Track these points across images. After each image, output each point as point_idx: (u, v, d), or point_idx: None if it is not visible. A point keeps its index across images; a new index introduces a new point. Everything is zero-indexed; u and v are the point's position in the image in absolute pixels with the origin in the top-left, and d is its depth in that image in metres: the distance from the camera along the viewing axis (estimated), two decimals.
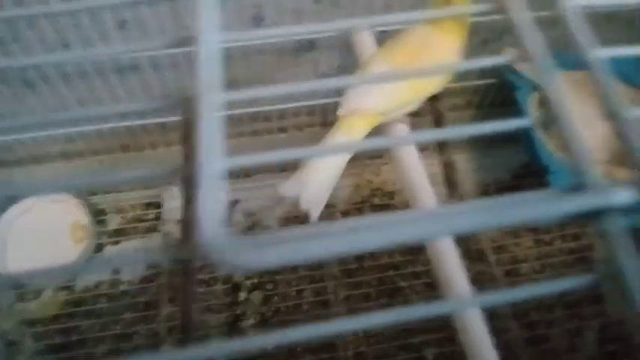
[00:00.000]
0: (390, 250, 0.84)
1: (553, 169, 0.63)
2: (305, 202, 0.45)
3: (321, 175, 0.44)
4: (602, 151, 0.67)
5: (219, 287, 0.79)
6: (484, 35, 0.70)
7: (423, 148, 0.90)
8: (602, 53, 0.20)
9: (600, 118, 0.71)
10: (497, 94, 0.79)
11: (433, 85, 0.49)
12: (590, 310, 0.81)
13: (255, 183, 0.88)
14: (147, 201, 0.88)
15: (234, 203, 0.87)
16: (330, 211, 0.87)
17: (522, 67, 0.69)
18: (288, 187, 0.45)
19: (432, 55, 0.47)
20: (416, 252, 0.84)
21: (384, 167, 0.93)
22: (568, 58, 0.79)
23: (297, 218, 0.87)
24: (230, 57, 0.67)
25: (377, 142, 0.21)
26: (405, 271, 0.82)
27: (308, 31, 0.21)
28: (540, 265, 0.84)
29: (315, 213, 0.45)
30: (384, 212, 0.89)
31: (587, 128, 0.71)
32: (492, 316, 0.76)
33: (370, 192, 0.90)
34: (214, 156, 0.17)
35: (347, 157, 0.46)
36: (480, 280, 0.82)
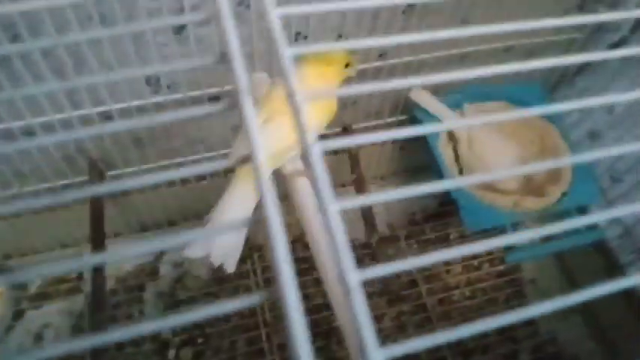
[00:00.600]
0: (323, 291, 0.83)
1: (463, 203, 0.64)
2: (216, 259, 0.44)
3: (225, 234, 0.44)
4: (512, 182, 0.69)
5: (147, 347, 0.76)
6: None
7: (342, 184, 0.91)
8: (289, 53, 0.20)
9: (509, 147, 0.73)
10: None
11: (316, 124, 0.49)
12: (522, 332, 0.83)
13: (180, 232, 0.85)
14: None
15: (160, 255, 0.84)
16: (261, 254, 0.86)
17: (426, 104, 0.71)
18: (194, 249, 0.44)
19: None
20: None
21: None
22: (477, 90, 0.82)
23: None
24: None
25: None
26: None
27: None
28: (471, 290, 0.86)
29: (229, 267, 0.44)
30: None
31: (495, 159, 0.73)
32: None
33: (302, 230, 0.89)
34: None
35: (251, 205, 0.46)
36: (414, 312, 0.83)
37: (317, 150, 0.20)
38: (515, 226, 0.66)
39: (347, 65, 0.51)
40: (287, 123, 0.46)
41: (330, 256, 0.47)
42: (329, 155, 0.81)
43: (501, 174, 0.23)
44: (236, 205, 0.45)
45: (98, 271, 0.61)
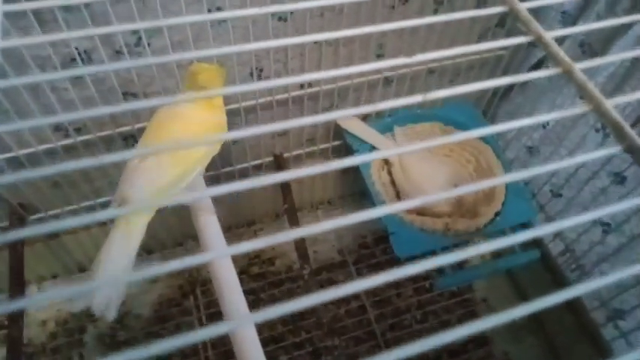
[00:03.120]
0: (269, 322, 0.81)
1: (392, 229, 0.63)
2: (97, 309, 0.43)
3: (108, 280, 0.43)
4: (444, 204, 0.68)
5: None
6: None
7: (277, 214, 0.90)
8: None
9: (442, 169, 0.71)
10: (344, 154, 0.80)
11: (197, 158, 0.49)
12: (475, 354, 0.81)
13: None
14: None
15: None
16: (206, 289, 0.84)
17: (357, 130, 0.70)
18: (77, 302, 0.44)
19: (188, 130, 0.48)
20: (297, 319, 0.81)
21: (260, 233, 0.91)
22: (407, 112, 0.81)
23: (172, 301, 0.83)
24: None
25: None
26: (287, 343, 0.79)
27: None
28: (422, 314, 0.84)
29: (109, 316, 0.44)
30: (265, 281, 0.87)
31: (428, 181, 0.71)
32: None
33: (248, 261, 0.88)
34: None
35: (133, 249, 0.45)
36: (364, 340, 0.81)
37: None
38: (447, 250, 0.64)
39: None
40: (164, 159, 0.45)
41: (223, 300, 0.46)
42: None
43: (428, 198, 0.22)
44: (115, 253, 0.44)
45: (14, 319, 0.59)
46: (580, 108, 0.23)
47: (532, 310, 0.19)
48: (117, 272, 0.43)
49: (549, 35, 0.24)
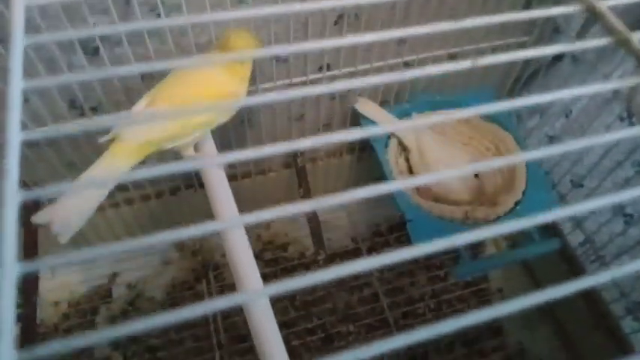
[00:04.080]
0: (281, 307, 0.81)
1: (409, 216, 0.62)
2: (56, 227, 0.43)
3: (76, 201, 0.43)
4: (463, 192, 0.67)
5: None
6: None
7: (292, 199, 0.89)
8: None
9: (459, 157, 0.70)
10: (360, 141, 0.78)
11: (205, 119, 0.49)
12: (489, 344, 0.80)
13: (133, 252, 0.83)
14: None
15: (113, 277, 0.82)
16: (219, 273, 0.83)
17: (372, 115, 0.68)
18: (42, 215, 0.43)
19: (209, 92, 0.48)
20: (309, 305, 0.81)
21: (274, 220, 0.90)
22: (426, 99, 0.79)
23: (184, 284, 0.83)
24: None
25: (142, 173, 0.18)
26: (299, 328, 0.79)
27: None
28: (436, 303, 0.83)
29: (63, 239, 0.44)
30: (278, 267, 0.86)
31: (447, 169, 0.70)
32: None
33: (262, 247, 0.87)
34: None
35: (107, 188, 0.45)
36: (377, 327, 0.80)
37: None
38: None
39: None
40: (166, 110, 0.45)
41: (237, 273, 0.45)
42: (279, 170, 0.78)
43: (443, 174, 0.21)
44: (89, 180, 0.43)
45: (28, 299, 0.59)
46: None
47: (546, 299, 0.18)
48: (87, 201, 0.43)
49: (604, 4, 0.23)
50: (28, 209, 0.64)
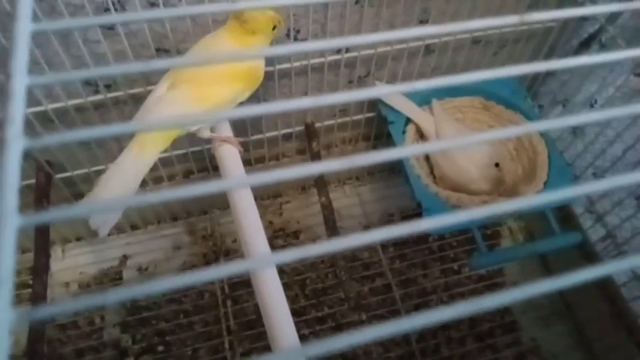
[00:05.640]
0: (292, 295, 0.79)
1: (426, 205, 0.60)
2: (93, 223, 0.45)
3: (111, 195, 0.44)
4: (482, 181, 0.65)
5: (106, 354, 0.73)
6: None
7: (304, 187, 0.88)
8: None
9: (479, 146, 0.68)
10: (376, 128, 0.77)
11: (231, 97, 0.48)
12: (503, 340, 0.79)
13: (144, 236, 0.83)
14: None
15: (124, 259, 0.81)
16: (230, 259, 0.83)
17: (393, 101, 0.67)
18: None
19: (230, 69, 0.47)
20: (320, 294, 0.80)
21: (286, 206, 0.89)
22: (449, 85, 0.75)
23: (195, 268, 0.82)
24: None
25: None
26: (309, 317, 0.78)
27: None
28: (449, 296, 0.81)
29: (102, 233, 0.45)
30: None
31: (467, 158, 0.68)
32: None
33: (273, 234, 0.86)
34: None
35: (140, 175, 0.45)
36: (386, 318, 0.79)
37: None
38: (482, 228, 0.61)
39: (274, 28, 0.49)
40: (189, 93, 0.44)
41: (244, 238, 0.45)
42: (293, 156, 0.77)
43: (461, 141, 0.19)
44: (122, 175, 0.44)
45: (39, 278, 0.58)
46: None
47: (558, 286, 0.17)
48: (120, 194, 0.44)
49: None
50: (40, 182, 0.63)
